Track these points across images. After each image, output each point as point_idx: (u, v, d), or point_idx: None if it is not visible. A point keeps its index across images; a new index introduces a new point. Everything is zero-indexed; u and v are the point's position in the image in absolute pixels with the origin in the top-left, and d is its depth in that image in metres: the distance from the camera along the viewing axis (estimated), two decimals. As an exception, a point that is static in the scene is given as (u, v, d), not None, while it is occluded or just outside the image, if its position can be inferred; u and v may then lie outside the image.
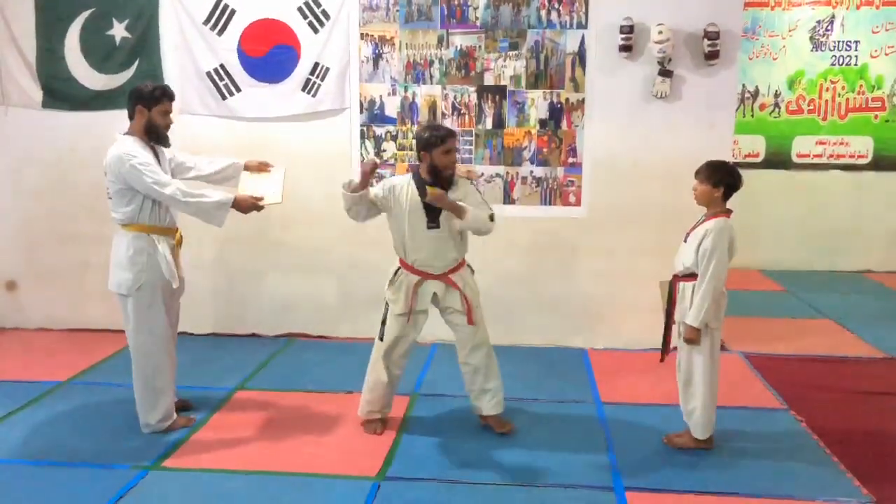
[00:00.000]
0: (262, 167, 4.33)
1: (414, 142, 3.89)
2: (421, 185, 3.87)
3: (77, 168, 5.55)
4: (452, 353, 4.96)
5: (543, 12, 5.24)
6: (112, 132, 3.97)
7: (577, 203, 5.44)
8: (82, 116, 5.55)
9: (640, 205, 5.36)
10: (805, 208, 8.27)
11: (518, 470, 3.73)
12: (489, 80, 5.36)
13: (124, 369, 4.26)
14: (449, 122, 5.39)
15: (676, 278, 3.81)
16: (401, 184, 3.93)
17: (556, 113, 5.35)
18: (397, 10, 5.32)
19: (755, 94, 8.21)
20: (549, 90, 5.33)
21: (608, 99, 5.27)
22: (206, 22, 5.39)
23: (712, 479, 3.63)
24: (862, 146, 8.17)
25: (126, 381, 4.26)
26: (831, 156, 8.22)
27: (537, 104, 5.35)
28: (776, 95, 8.19)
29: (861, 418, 4.36)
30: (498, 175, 5.45)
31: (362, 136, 5.50)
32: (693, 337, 3.72)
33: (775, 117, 8.23)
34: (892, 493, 3.48)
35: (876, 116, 8.12)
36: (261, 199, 4.07)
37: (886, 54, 7.98)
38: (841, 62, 8.05)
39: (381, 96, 5.44)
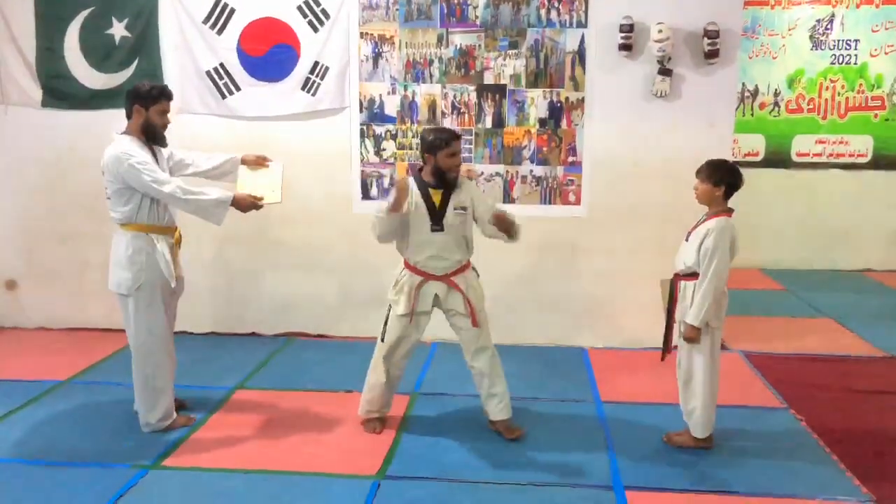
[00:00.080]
0: (259, 161, 4.31)
1: (418, 144, 3.88)
2: (423, 188, 3.86)
3: (77, 167, 5.54)
4: (452, 352, 4.97)
5: (543, 11, 5.23)
6: (112, 131, 3.97)
7: (577, 202, 5.44)
8: (82, 115, 5.54)
9: (639, 204, 5.36)
10: (805, 207, 8.27)
11: (518, 469, 3.73)
12: (489, 78, 5.36)
13: (124, 369, 4.26)
14: (448, 121, 5.39)
15: (678, 277, 3.81)
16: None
17: (556, 112, 5.35)
18: (397, 9, 5.31)
19: (755, 93, 8.21)
20: (548, 89, 5.33)
21: (608, 98, 5.27)
22: (206, 21, 5.39)
23: (712, 477, 3.63)
24: (862, 145, 8.17)
25: (126, 380, 4.27)
26: (831, 155, 8.22)
27: (537, 103, 5.35)
28: (776, 94, 8.19)
29: (861, 417, 4.36)
30: (498, 174, 5.45)
31: (362, 135, 5.50)
32: (693, 335, 3.72)
33: (775, 116, 8.23)
34: (891, 491, 3.49)
35: (876, 115, 8.12)
36: (260, 198, 4.07)
37: (886, 53, 7.97)
38: (841, 61, 8.05)
39: (380, 95, 5.44)
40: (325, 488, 3.53)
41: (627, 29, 5.06)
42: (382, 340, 4.06)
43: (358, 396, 4.25)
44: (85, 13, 5.47)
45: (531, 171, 5.43)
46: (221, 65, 5.44)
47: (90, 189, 5.27)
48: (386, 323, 4.04)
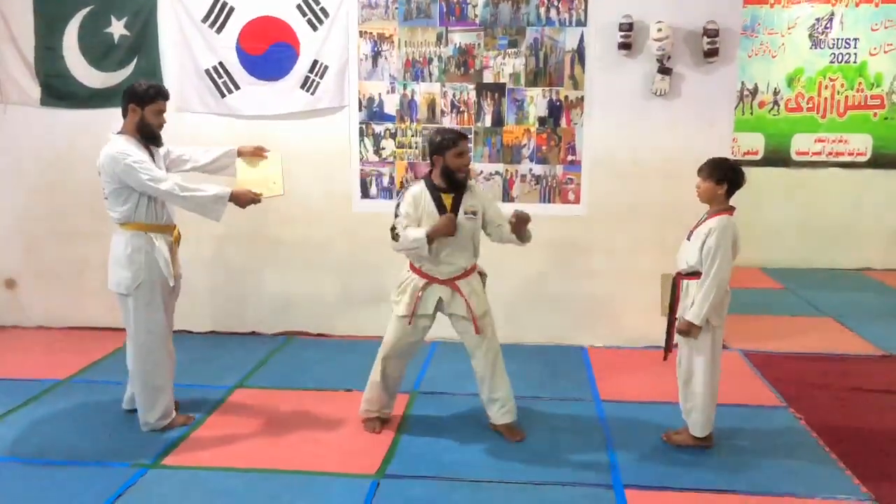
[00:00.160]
0: (257, 152, 4.30)
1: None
2: (434, 192, 3.84)
3: (76, 166, 5.54)
4: (452, 351, 4.98)
5: (542, 10, 5.23)
6: (111, 130, 3.96)
7: (577, 201, 5.43)
8: (81, 114, 5.54)
9: (639, 202, 5.36)
10: (804, 206, 8.27)
11: (517, 468, 3.72)
12: (488, 77, 5.35)
13: (123, 368, 4.25)
14: (448, 120, 5.39)
15: (680, 276, 3.80)
16: (419, 192, 3.86)
17: (556, 111, 5.35)
18: (396, 8, 5.31)
19: (754, 92, 8.21)
20: (548, 88, 5.33)
21: (607, 96, 5.27)
22: (205, 20, 5.39)
23: (711, 476, 3.63)
24: (861, 144, 8.17)
25: (125, 379, 4.27)
26: (830, 153, 8.23)
27: (536, 102, 5.35)
28: (775, 93, 8.19)
29: (860, 416, 4.36)
30: (497, 173, 5.45)
31: (361, 134, 5.50)
32: (687, 329, 3.71)
33: (774, 115, 8.23)
34: (890, 490, 3.49)
35: (875, 114, 8.12)
36: (259, 193, 4.06)
37: (885, 52, 7.97)
38: (840, 60, 8.05)
39: (380, 94, 5.44)
40: (325, 487, 3.53)
41: (627, 27, 5.06)
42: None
43: (358, 395, 4.25)
44: (84, 12, 5.46)
45: (530, 169, 5.43)
46: (221, 63, 5.43)
47: (89, 188, 5.26)
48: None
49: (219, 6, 5.36)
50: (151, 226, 3.93)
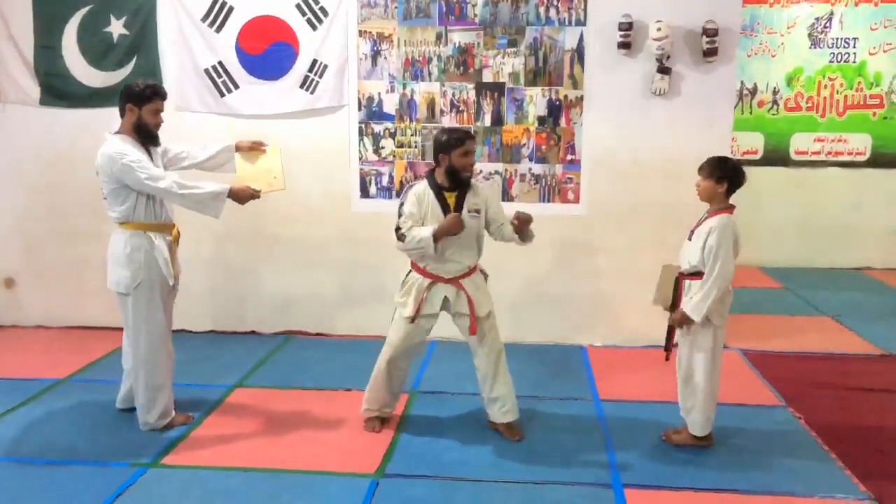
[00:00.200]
0: (255, 147, 4.28)
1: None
2: (438, 191, 3.84)
3: (75, 165, 5.53)
4: (452, 350, 4.98)
5: (542, 9, 5.23)
6: (110, 130, 3.96)
7: (576, 200, 5.43)
8: (80, 114, 5.54)
9: (638, 202, 5.36)
10: (803, 205, 8.28)
11: (516, 467, 3.73)
12: (488, 77, 5.35)
13: (122, 367, 4.26)
14: (447, 120, 5.39)
15: (682, 276, 3.79)
16: (422, 191, 3.86)
17: (555, 110, 5.35)
18: (396, 7, 5.31)
19: (753, 91, 8.21)
20: (547, 87, 5.33)
21: (607, 96, 5.27)
22: (205, 19, 5.38)
23: (710, 476, 3.63)
24: (860, 143, 8.18)
25: (121, 378, 4.27)
26: (829, 153, 8.23)
27: (536, 101, 5.35)
28: (775, 92, 8.19)
29: (859, 415, 4.36)
30: (496, 172, 5.44)
31: (360, 134, 5.50)
32: (682, 320, 3.72)
33: (774, 114, 8.23)
34: (890, 489, 3.49)
35: (874, 113, 8.12)
36: (259, 190, 4.05)
37: (885, 51, 7.98)
38: (839, 59, 8.05)
39: (379, 93, 5.44)
40: (324, 487, 3.53)
41: (626, 27, 5.06)
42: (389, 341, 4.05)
43: (357, 395, 4.25)
44: (83, 11, 5.46)
45: (530, 169, 5.43)
46: (220, 63, 5.43)
47: (89, 187, 5.25)
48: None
49: (218, 5, 5.36)
50: (150, 225, 3.93)
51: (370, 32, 5.36)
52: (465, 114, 5.40)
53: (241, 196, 3.98)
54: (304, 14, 5.34)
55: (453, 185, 3.84)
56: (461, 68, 5.36)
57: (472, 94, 5.38)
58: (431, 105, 5.42)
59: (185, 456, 3.83)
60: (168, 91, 5.37)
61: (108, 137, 3.87)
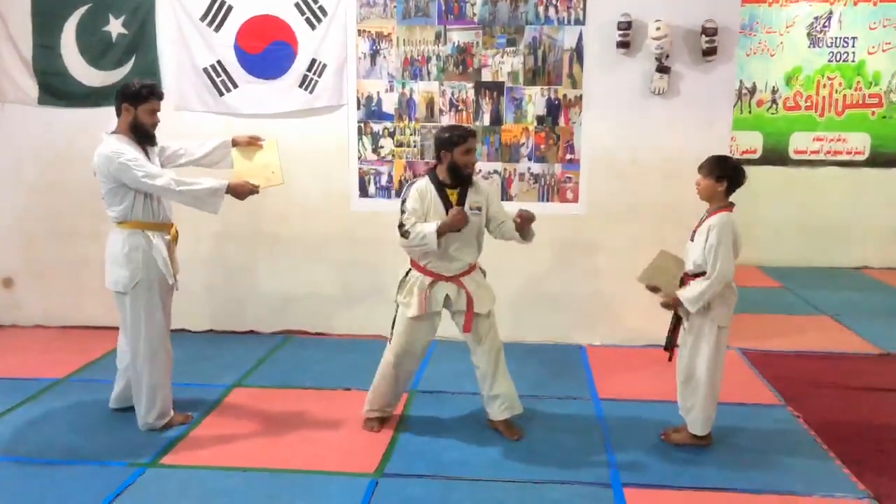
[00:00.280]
0: (252, 142, 4.27)
1: (434, 141, 3.87)
2: (440, 188, 3.84)
3: (74, 165, 5.52)
4: (451, 349, 4.97)
5: (541, 8, 5.23)
6: (108, 129, 3.95)
7: (575, 200, 5.43)
8: (79, 113, 5.53)
9: (637, 201, 5.36)
10: (802, 204, 8.29)
11: (516, 466, 3.73)
12: (487, 76, 5.35)
13: (117, 367, 4.26)
14: (446, 119, 5.39)
15: (687, 276, 3.79)
16: (424, 187, 3.86)
17: (554, 109, 5.34)
18: (395, 6, 5.31)
19: (753, 91, 8.22)
20: (546, 86, 5.33)
21: (606, 95, 5.27)
22: (203, 18, 5.38)
23: (710, 475, 3.63)
24: (859, 142, 8.18)
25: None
26: (828, 152, 8.24)
27: (535, 100, 5.35)
28: (774, 92, 8.20)
29: (858, 414, 4.37)
30: (496, 171, 5.44)
31: (359, 133, 5.49)
32: (674, 305, 3.75)
33: (773, 114, 8.24)
34: (888, 488, 3.49)
35: (873, 113, 8.13)
36: (258, 185, 4.03)
37: (884, 51, 7.98)
38: (838, 58, 8.06)
39: (378, 93, 5.43)
40: (323, 486, 3.53)
41: (625, 26, 5.05)
42: (391, 342, 4.04)
43: (357, 394, 4.24)
44: (82, 10, 5.45)
45: (529, 168, 5.43)
46: (219, 62, 5.43)
47: (88, 187, 5.24)
48: (394, 325, 4.01)
49: (217, 5, 5.35)
50: (148, 224, 3.93)
51: (369, 32, 5.35)
52: (464, 113, 5.40)
53: (240, 191, 3.97)
54: (302, 13, 5.33)
55: (455, 182, 3.84)
56: (460, 67, 5.36)
57: (471, 94, 5.38)
58: (430, 104, 5.41)
59: (183, 456, 3.83)
60: (167, 90, 5.41)
61: (105, 137, 3.86)
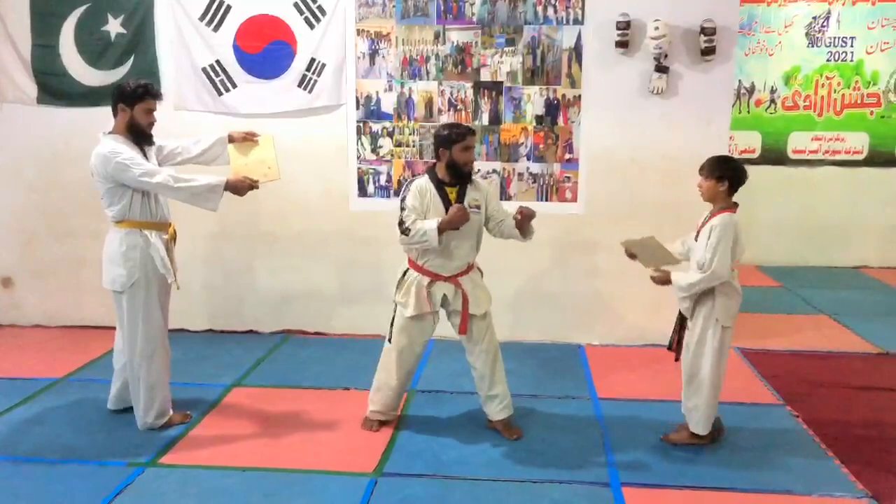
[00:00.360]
0: (248, 137, 4.26)
1: (433, 139, 3.87)
2: (439, 186, 3.84)
3: (73, 164, 5.52)
4: (450, 349, 4.97)
5: (540, 8, 5.23)
6: (105, 129, 3.95)
7: (574, 199, 5.43)
8: (78, 113, 5.52)
9: (636, 201, 5.36)
10: (801, 204, 8.29)
11: (515, 466, 3.73)
12: (486, 75, 5.35)
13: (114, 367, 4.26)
14: (445, 119, 5.38)
15: None
16: (423, 185, 3.85)
17: (553, 109, 5.35)
18: (393, 6, 5.30)
19: (751, 90, 8.22)
20: (545, 86, 5.33)
21: (605, 95, 5.27)
22: (202, 18, 5.38)
23: (709, 474, 3.64)
24: (857, 142, 8.19)
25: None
26: (827, 152, 8.24)
27: (534, 100, 5.35)
28: (772, 91, 8.20)
29: (857, 414, 4.37)
30: (494, 171, 5.44)
31: (358, 132, 5.49)
32: (663, 281, 3.80)
33: (771, 113, 8.24)
34: (887, 487, 3.50)
35: (871, 112, 8.13)
36: (256, 180, 4.03)
37: (882, 50, 7.98)
38: (837, 58, 8.06)
39: (377, 92, 5.43)
40: (323, 486, 3.53)
41: (624, 26, 5.06)
42: (389, 342, 4.03)
43: (356, 394, 4.24)
44: (80, 10, 5.45)
45: (528, 168, 5.43)
46: (218, 62, 5.43)
47: (86, 187, 5.22)
48: (392, 325, 4.01)
49: (216, 4, 5.35)
50: (146, 223, 3.93)
51: (368, 31, 5.35)
52: (463, 113, 5.40)
53: (240, 187, 3.96)
54: (301, 13, 5.33)
55: (454, 180, 3.85)
56: (459, 67, 5.36)
57: (470, 93, 5.38)
58: (429, 104, 5.41)
59: (182, 455, 3.83)
60: (166, 90, 5.42)
61: (102, 138, 3.87)
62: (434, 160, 3.92)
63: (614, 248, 5.38)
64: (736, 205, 3.73)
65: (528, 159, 5.42)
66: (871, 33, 7.96)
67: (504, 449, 3.90)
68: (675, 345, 3.94)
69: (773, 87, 8.18)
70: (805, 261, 8.33)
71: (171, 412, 4.16)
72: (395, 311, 4.01)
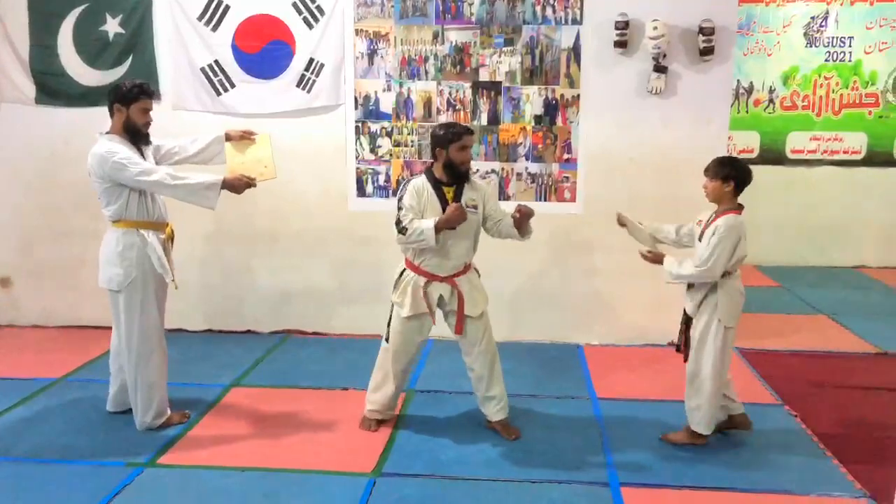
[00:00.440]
0: (245, 135, 4.26)
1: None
2: (436, 185, 3.84)
3: (71, 164, 5.51)
4: (448, 349, 4.97)
5: (538, 8, 5.23)
6: (103, 129, 3.94)
7: (573, 199, 5.44)
8: (76, 113, 5.52)
9: (635, 201, 5.34)
10: (799, 204, 8.29)
11: (513, 466, 3.73)
12: (484, 75, 5.35)
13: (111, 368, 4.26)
14: (444, 119, 5.38)
15: None
16: (420, 185, 3.85)
17: (552, 109, 5.35)
18: (392, 6, 5.30)
19: (750, 90, 8.22)
20: (544, 86, 5.33)
21: (603, 95, 5.27)
22: (201, 18, 5.37)
23: (707, 474, 3.64)
24: (856, 142, 8.19)
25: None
26: (825, 152, 8.24)
27: (532, 100, 5.35)
28: (771, 91, 8.20)
29: (855, 413, 4.38)
30: (493, 171, 5.44)
31: (357, 132, 5.49)
32: (654, 260, 3.83)
33: (770, 113, 8.24)
34: (885, 487, 3.49)
35: (870, 112, 8.14)
36: (253, 179, 4.02)
37: (880, 50, 7.99)
38: (835, 58, 8.06)
39: (376, 92, 5.43)
40: (321, 486, 3.53)
41: (622, 26, 5.06)
42: (387, 341, 4.03)
43: (354, 394, 4.24)
44: (79, 10, 5.44)
45: (526, 168, 5.43)
46: (216, 62, 5.42)
47: (85, 186, 5.20)
48: (389, 325, 4.01)
49: (214, 4, 5.35)
50: (143, 222, 3.93)
51: (367, 31, 5.35)
52: (461, 113, 5.40)
53: (237, 185, 3.95)
54: (300, 13, 5.33)
55: (451, 179, 3.84)
56: (458, 67, 5.36)
57: (469, 93, 5.38)
58: (428, 104, 5.41)
59: (181, 455, 3.83)
60: (164, 90, 5.42)
61: (99, 138, 3.87)
62: (432, 160, 3.92)
63: (613, 247, 5.42)
64: (741, 206, 3.73)
65: (527, 159, 5.42)
66: (869, 33, 7.97)
67: (503, 449, 3.90)
68: (683, 346, 3.93)
69: (771, 86, 8.19)
70: (803, 261, 8.33)
71: (169, 412, 4.15)
72: (391, 311, 4.00)
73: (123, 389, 4.17)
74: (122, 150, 3.79)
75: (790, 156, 8.28)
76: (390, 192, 5.48)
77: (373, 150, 5.50)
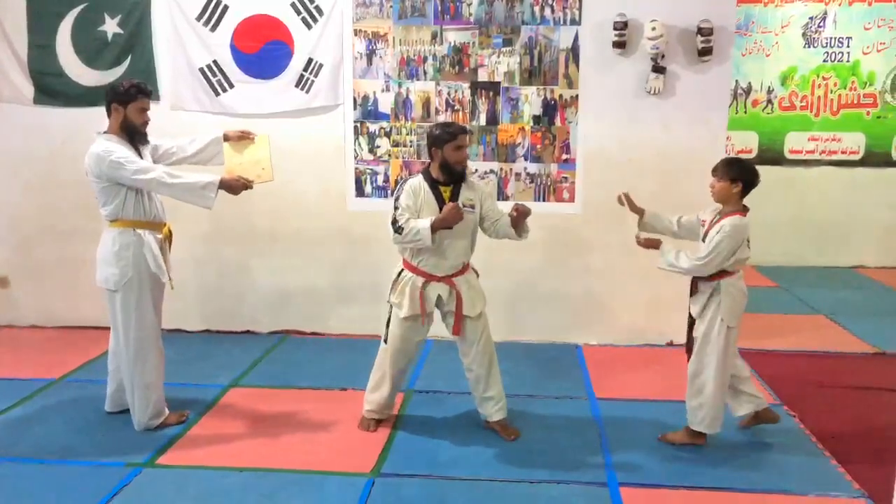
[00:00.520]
0: (243, 136, 4.25)
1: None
2: (433, 185, 3.84)
3: (69, 164, 5.49)
4: (447, 349, 4.97)
5: (537, 8, 5.23)
6: (100, 129, 3.94)
7: (571, 199, 5.44)
8: (75, 113, 5.51)
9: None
10: (797, 204, 8.30)
11: (512, 466, 3.73)
12: (483, 76, 5.35)
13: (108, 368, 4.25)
14: (443, 119, 5.38)
15: (697, 277, 3.81)
16: (417, 184, 3.85)
17: (550, 109, 5.35)
18: (391, 6, 5.30)
19: (748, 91, 8.23)
20: (542, 86, 5.33)
21: (602, 95, 5.27)
22: (199, 18, 5.37)
23: (706, 474, 3.64)
24: (854, 142, 8.20)
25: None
26: (823, 152, 8.25)
27: (531, 100, 5.35)
28: (769, 92, 8.21)
29: (853, 414, 4.38)
30: (492, 171, 5.45)
31: (356, 133, 5.49)
32: (648, 246, 3.85)
33: (768, 113, 8.25)
34: (883, 487, 3.49)
35: (868, 113, 8.15)
36: (251, 180, 4.01)
37: (878, 51, 8.00)
38: (833, 58, 8.08)
39: (374, 92, 5.43)
40: (320, 486, 3.53)
41: (621, 26, 5.06)
42: (385, 342, 4.03)
43: (353, 394, 4.24)
44: (77, 10, 5.44)
45: (525, 168, 5.43)
46: (215, 62, 5.42)
47: (83, 186, 5.19)
48: (388, 325, 4.00)
49: (213, 4, 5.35)
50: (139, 222, 3.92)
51: (365, 31, 5.35)
52: (460, 113, 5.40)
53: (234, 186, 3.94)
54: (298, 13, 5.33)
55: (448, 179, 3.84)
56: (456, 67, 5.36)
57: (468, 94, 5.38)
58: (427, 104, 5.42)
59: (180, 455, 3.82)
60: (163, 90, 5.42)
61: (96, 138, 3.87)
62: (429, 160, 3.92)
63: (612, 247, 5.43)
64: (746, 208, 3.73)
65: (526, 159, 5.42)
66: (867, 34, 7.98)
67: (501, 449, 3.90)
68: (689, 347, 3.93)
69: (769, 87, 8.20)
70: (802, 261, 8.34)
71: (166, 412, 4.15)
72: (389, 312, 4.00)
73: (121, 389, 4.17)
74: (119, 150, 3.79)
75: (788, 156, 8.29)
76: (389, 192, 5.48)
77: (371, 151, 5.50)
